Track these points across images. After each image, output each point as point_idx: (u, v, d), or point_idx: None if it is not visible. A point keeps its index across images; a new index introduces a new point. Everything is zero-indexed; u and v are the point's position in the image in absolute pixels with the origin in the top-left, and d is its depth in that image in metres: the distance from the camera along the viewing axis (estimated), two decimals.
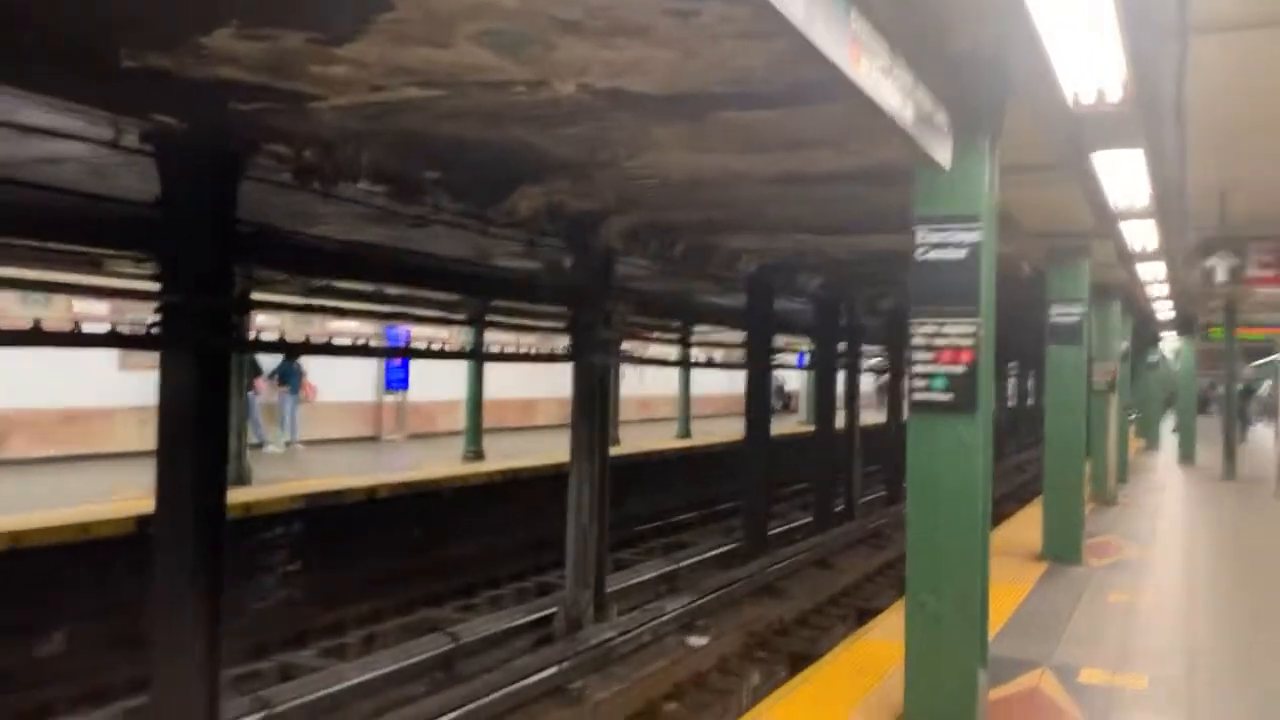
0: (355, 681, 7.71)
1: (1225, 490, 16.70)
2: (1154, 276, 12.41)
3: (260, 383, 16.62)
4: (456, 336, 17.55)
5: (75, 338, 5.55)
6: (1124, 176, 6.54)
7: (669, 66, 4.81)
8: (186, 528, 5.90)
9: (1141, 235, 9.04)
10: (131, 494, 10.27)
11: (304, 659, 8.91)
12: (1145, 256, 10.33)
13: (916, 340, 4.74)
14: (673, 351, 13.50)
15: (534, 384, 22.90)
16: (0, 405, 13.89)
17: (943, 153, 4.48)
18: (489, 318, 11.49)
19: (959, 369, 4.65)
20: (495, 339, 14.63)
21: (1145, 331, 22.83)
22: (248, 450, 12.78)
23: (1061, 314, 9.12)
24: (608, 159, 6.80)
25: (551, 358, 9.86)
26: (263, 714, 6.79)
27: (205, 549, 5.93)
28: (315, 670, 8.15)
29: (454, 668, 8.60)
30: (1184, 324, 21.30)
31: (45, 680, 8.03)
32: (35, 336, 5.33)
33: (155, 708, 6.05)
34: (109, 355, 14.46)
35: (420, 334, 17.16)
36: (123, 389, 14.79)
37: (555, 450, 13.90)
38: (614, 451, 11.80)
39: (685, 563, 12.42)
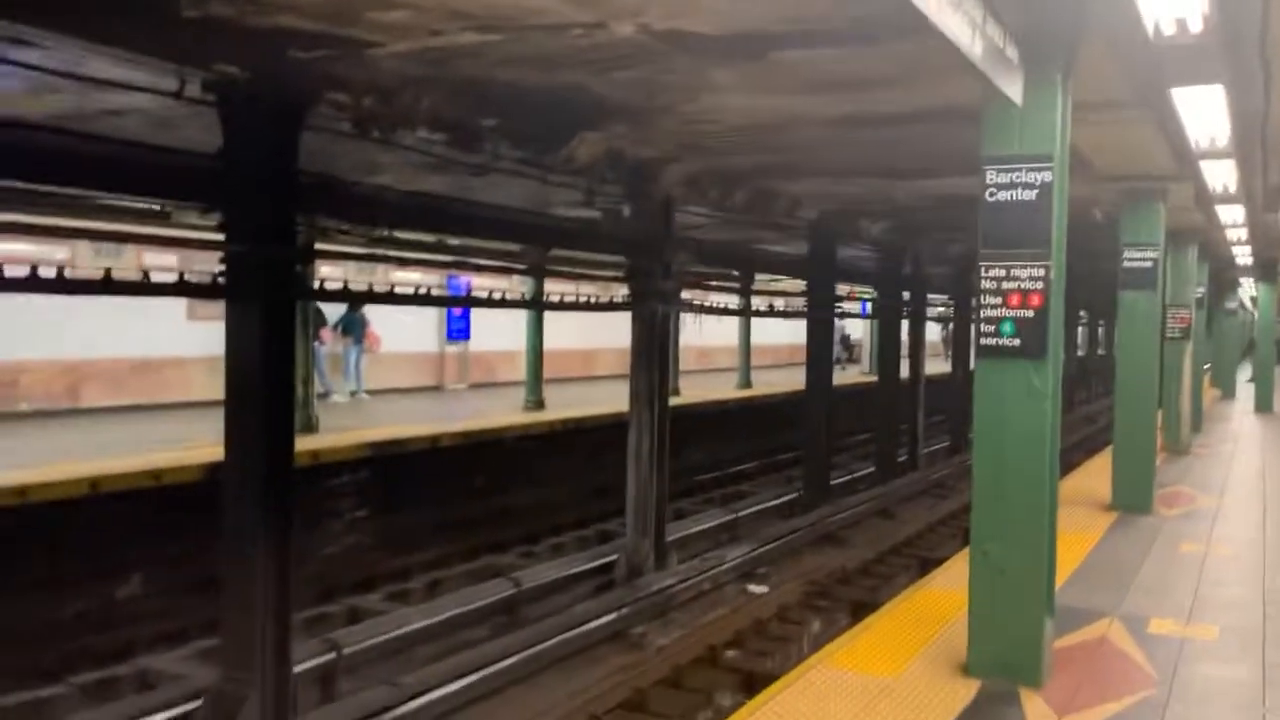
0: (421, 625, 7.86)
1: None
2: (1233, 220, 11.99)
3: (325, 333, 16.86)
4: (517, 286, 17.62)
5: (144, 286, 5.64)
6: (1204, 113, 6.29)
7: (727, 5, 4.70)
8: (255, 475, 6.02)
9: (1221, 176, 8.72)
10: (203, 442, 10.53)
11: (371, 603, 9.10)
12: (1224, 198, 9.98)
13: (985, 284, 4.63)
14: (733, 300, 13.40)
15: (594, 334, 22.93)
16: (74, 355, 14.30)
17: (1014, 89, 4.33)
18: (548, 267, 11.50)
19: (1028, 313, 4.54)
20: (555, 289, 14.67)
21: (1223, 277, 22.14)
22: (314, 399, 13.01)
23: (1135, 258, 8.85)
24: (666, 104, 6.70)
25: (611, 306, 9.83)
26: (332, 655, 6.95)
27: (274, 496, 6.04)
28: (382, 614, 8.32)
29: (517, 612, 8.72)
30: (1264, 269, 20.61)
31: (124, 621, 8.31)
32: (106, 285, 5.42)
33: (228, 648, 6.22)
34: (178, 306, 14.75)
35: (481, 284, 17.24)
36: (192, 339, 15.10)
37: (615, 400, 13.95)
38: (674, 401, 11.80)
39: (745, 512, 12.42)
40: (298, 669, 6.36)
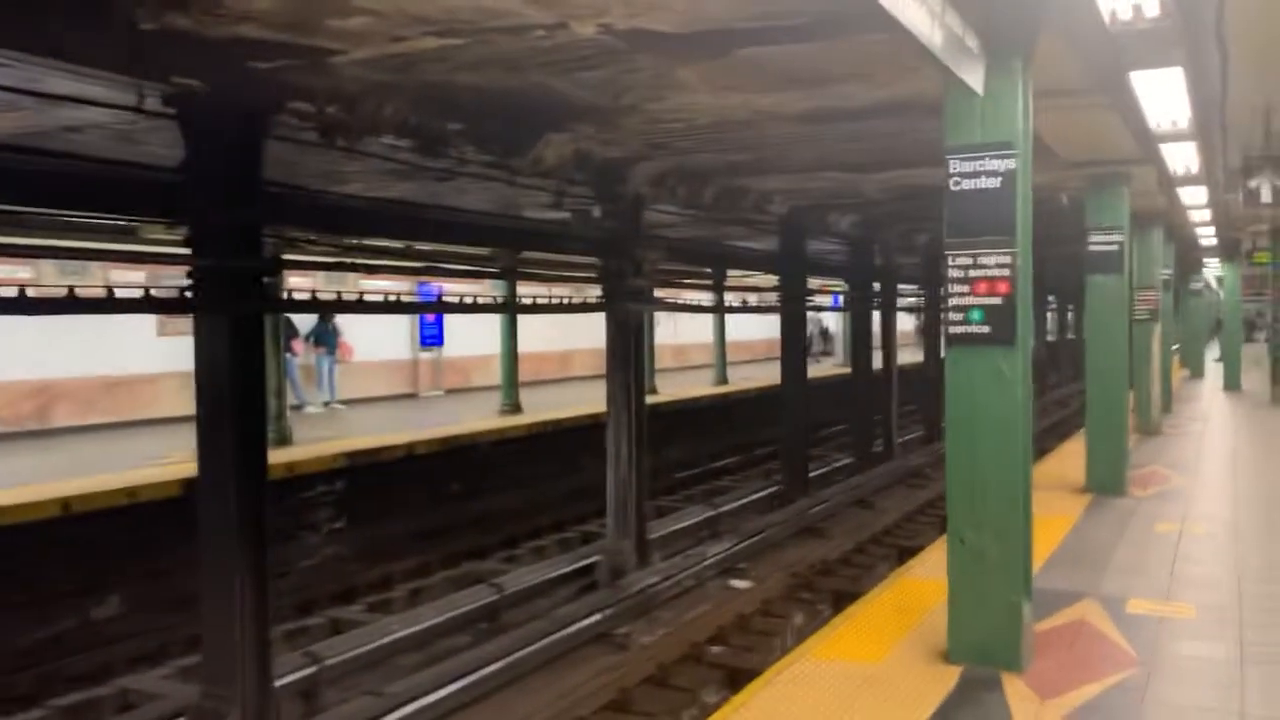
0: (403, 634, 7.81)
1: (1272, 416, 16.46)
2: (1196, 201, 12.14)
3: (297, 344, 16.76)
4: (489, 290, 17.57)
5: (109, 303, 5.57)
6: (1163, 97, 6.36)
7: (689, 3, 4.71)
8: (229, 489, 5.96)
9: (1183, 158, 8.82)
10: (176, 458, 10.44)
11: (352, 614, 9.04)
12: (1186, 180, 10.09)
13: (952, 272, 4.67)
14: (706, 297, 13.42)
15: (570, 335, 22.95)
16: (44, 375, 14.14)
17: (974, 78, 4.37)
18: (520, 269, 11.47)
19: (996, 300, 4.57)
20: (528, 291, 14.63)
21: (1188, 259, 22.42)
22: (288, 411, 12.92)
23: (1101, 242, 8.93)
24: (632, 103, 6.70)
25: (584, 307, 9.82)
26: (314, 668, 6.90)
27: (249, 509, 6.00)
28: (364, 624, 8.27)
29: (500, 618, 8.69)
30: (1227, 249, 20.86)
31: (103, 642, 8.22)
32: (71, 304, 5.36)
33: (209, 665, 6.17)
34: (147, 322, 14.64)
35: (453, 290, 17.18)
36: (163, 355, 14.99)
37: (592, 400, 13.94)
38: (651, 400, 11.80)
39: (726, 508, 12.44)
40: (279, 683, 6.32)
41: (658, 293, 10.86)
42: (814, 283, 15.24)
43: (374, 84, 6.00)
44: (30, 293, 5.21)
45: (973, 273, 4.58)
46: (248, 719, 5.91)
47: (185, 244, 6.14)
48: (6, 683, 7.32)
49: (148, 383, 15.39)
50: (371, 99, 6.20)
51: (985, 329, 4.60)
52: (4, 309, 5.07)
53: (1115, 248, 8.91)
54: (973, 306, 4.59)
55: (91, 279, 12.67)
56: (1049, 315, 32.04)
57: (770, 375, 16.86)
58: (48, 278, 12.97)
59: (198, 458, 6.15)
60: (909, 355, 20.91)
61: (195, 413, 6.12)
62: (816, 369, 15.72)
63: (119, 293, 5.56)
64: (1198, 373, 24.76)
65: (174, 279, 6.39)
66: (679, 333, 18.74)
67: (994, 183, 4.54)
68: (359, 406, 17.66)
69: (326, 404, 17.33)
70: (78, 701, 7.16)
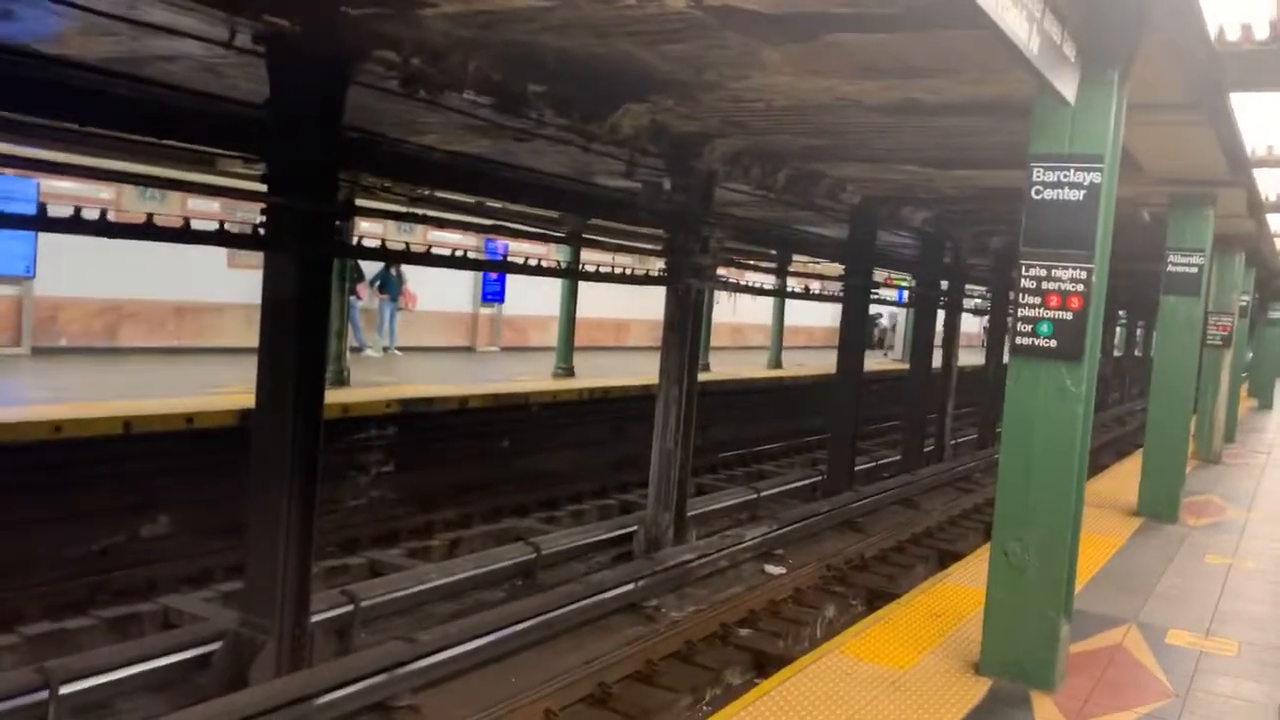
0: (439, 583, 7.94)
1: None
2: None
3: (362, 289, 16.99)
4: (553, 253, 17.64)
5: (185, 234, 5.68)
6: (1263, 121, 6.16)
7: None
8: (284, 423, 6.08)
9: (1275, 184, 8.55)
10: (235, 388, 10.66)
11: (392, 558, 9.20)
12: (1277, 207, 9.78)
13: (1024, 283, 4.58)
14: (768, 280, 13.32)
15: (628, 305, 22.95)
16: (115, 294, 14.49)
17: (1068, 86, 4.26)
18: (586, 236, 11.48)
19: (1067, 315, 4.48)
20: (591, 258, 14.65)
21: (1269, 286, 21.75)
22: (347, 353, 13.12)
23: (1180, 264, 8.71)
24: (714, 79, 6.65)
25: (646, 280, 9.80)
26: (350, 607, 7.04)
27: (302, 445, 6.11)
28: (402, 569, 8.41)
29: (534, 577, 8.80)
30: None
31: (149, 559, 8.45)
32: (148, 231, 5.47)
33: (249, 593, 6.32)
34: (218, 253, 14.90)
35: (518, 249, 17.27)
36: (231, 286, 15.28)
37: (644, 371, 13.97)
38: (703, 377, 11.79)
39: (767, 492, 12.42)
40: (316, 618, 6.46)
41: (720, 271, 10.79)
42: (880, 275, 15.08)
43: (460, 39, 6.02)
44: (111, 216, 5.33)
45: (1046, 285, 4.49)
46: (283, 650, 6.06)
47: (262, 180, 6.24)
48: (58, 589, 7.56)
49: (214, 311, 15.71)
50: (457, 53, 6.22)
51: (1052, 343, 4.51)
52: (87, 230, 5.19)
53: (1194, 270, 8.68)
54: (1042, 319, 4.50)
55: (169, 204, 12.95)
56: (1117, 330, 31.36)
57: (826, 363, 16.75)
58: (127, 199, 13.29)
59: (256, 390, 6.28)
60: (970, 357, 20.62)
61: (258, 346, 6.24)
62: (871, 362, 15.54)
63: (195, 223, 5.65)
64: (1266, 404, 24.10)
65: (249, 213, 6.50)
66: (738, 311, 18.68)
67: (1077, 195, 4.43)
68: (416, 355, 17.88)
69: (385, 349, 17.57)
70: (122, 614, 7.38)
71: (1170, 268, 8.73)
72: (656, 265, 9.92)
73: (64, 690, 5.47)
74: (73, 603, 7.51)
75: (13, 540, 8.02)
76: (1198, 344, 9.34)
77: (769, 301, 21.36)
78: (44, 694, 5.39)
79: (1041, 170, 4.52)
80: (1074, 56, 4.25)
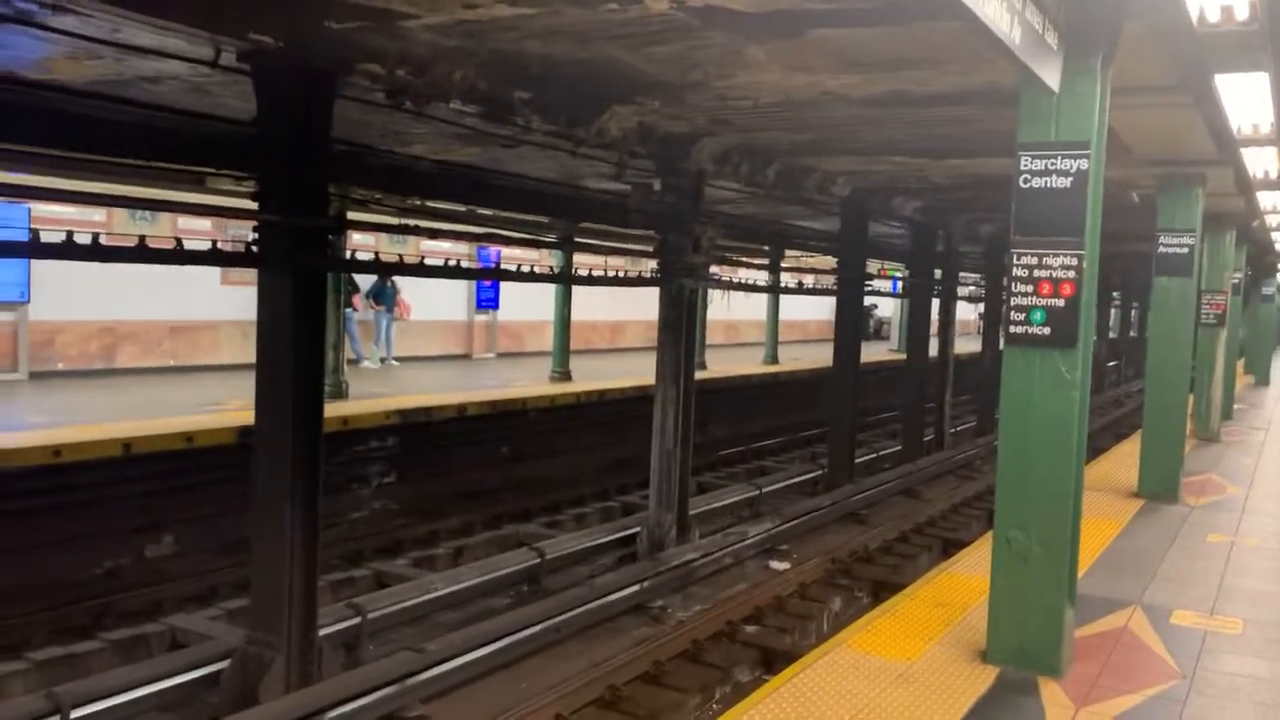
0: (445, 591, 7.95)
1: None
2: (1274, 205, 11.80)
3: (357, 300, 17.01)
4: (546, 259, 17.65)
5: (177, 255, 5.69)
6: (1248, 101, 6.18)
7: None
8: (285, 439, 6.10)
9: (1263, 162, 8.57)
10: (233, 405, 10.67)
11: (397, 568, 9.21)
12: (1266, 184, 9.81)
13: (1016, 271, 4.60)
14: (761, 276, 13.36)
15: (622, 306, 22.99)
16: (111, 317, 14.49)
17: (1051, 75, 4.28)
18: (578, 239, 11.50)
19: (1059, 302, 4.50)
20: (583, 261, 14.67)
21: (1261, 262, 21.82)
22: (345, 366, 13.14)
23: (1171, 244, 8.73)
24: (699, 79, 6.66)
25: (639, 281, 9.83)
26: (357, 619, 7.05)
27: (303, 459, 6.12)
28: (407, 579, 8.42)
29: (540, 582, 8.81)
30: None
31: (155, 580, 8.46)
32: (141, 253, 5.48)
33: (256, 609, 6.33)
34: (211, 271, 14.91)
35: (510, 255, 17.29)
36: (225, 304, 15.30)
37: (641, 372, 13.97)
38: (700, 376, 11.81)
39: (769, 488, 12.44)
40: (323, 632, 6.47)
41: (713, 269, 10.82)
42: (873, 266, 15.10)
43: (444, 49, 6.03)
44: (103, 240, 5.34)
45: (1038, 273, 4.50)
46: (292, 666, 6.08)
47: (252, 198, 6.25)
48: (63, 615, 7.57)
49: (209, 329, 15.71)
50: (442, 64, 6.22)
51: (1046, 330, 4.53)
52: (79, 255, 5.20)
53: (1186, 250, 8.71)
54: (1035, 307, 4.52)
55: (160, 225, 12.95)
56: (1112, 311, 31.41)
57: (822, 357, 16.78)
58: (118, 221, 13.28)
59: (255, 406, 6.29)
60: (967, 344, 20.64)
61: (255, 362, 6.25)
62: (869, 353, 15.57)
63: (187, 244, 5.67)
64: (1263, 379, 24.15)
65: (241, 230, 6.50)
66: (732, 309, 18.73)
67: (1065, 182, 4.45)
68: (414, 365, 17.89)
69: (383, 360, 17.59)
70: (129, 636, 7.39)
71: (1161, 249, 8.76)
72: (649, 266, 9.94)
73: (75, 714, 5.48)
74: (80, 626, 7.51)
75: (17, 565, 8.03)
76: (1192, 323, 9.37)
77: (763, 298, 21.40)
78: (56, 719, 5.39)
79: (1029, 159, 4.53)
80: (1056, 45, 4.27)
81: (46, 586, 7.95)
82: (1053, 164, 4.46)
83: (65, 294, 13.60)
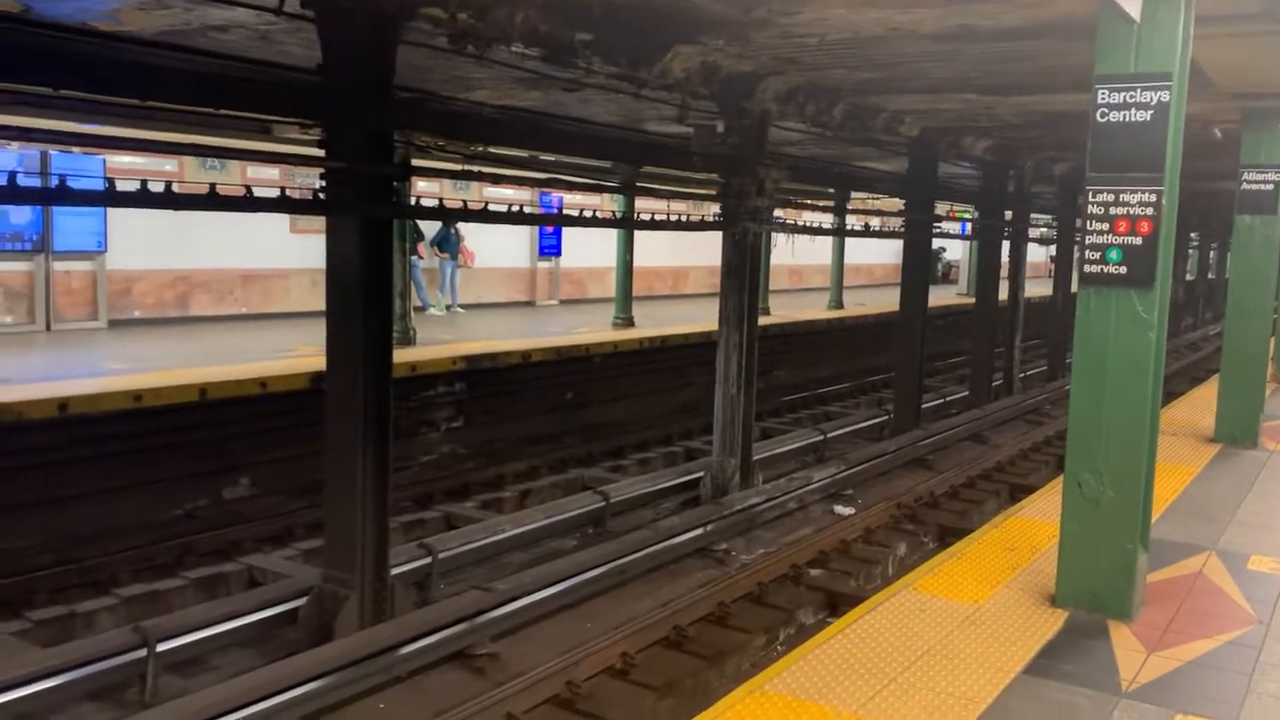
0: (512, 533, 8.09)
1: None
2: None
3: (422, 248, 17.17)
4: (608, 204, 17.62)
5: (247, 201, 5.78)
6: None
7: None
8: (356, 383, 6.21)
9: None
10: (304, 351, 10.89)
11: (466, 510, 9.38)
12: None
13: (1091, 209, 4.47)
14: (827, 219, 13.16)
15: (685, 252, 22.87)
16: (185, 265, 14.84)
17: (1132, 3, 4.11)
18: (640, 184, 11.44)
19: (1136, 240, 4.37)
20: (646, 206, 14.61)
21: None
22: (412, 313, 13.31)
23: (1255, 180, 8.42)
24: (764, 16, 6.53)
25: (702, 225, 9.75)
26: (428, 559, 7.21)
27: (373, 405, 6.24)
28: (476, 521, 8.58)
29: (604, 525, 8.91)
30: None
31: (232, 520, 8.73)
32: (211, 200, 5.58)
33: (330, 550, 6.51)
34: (281, 219, 15.16)
35: (572, 202, 17.28)
36: (294, 252, 15.56)
37: (704, 318, 13.94)
38: (763, 321, 11.74)
39: (834, 434, 12.39)
40: (395, 571, 6.63)
41: (777, 213, 10.68)
42: (941, 208, 14.80)
43: None
44: (176, 188, 5.44)
45: (1114, 210, 4.37)
46: (365, 603, 6.25)
47: (319, 145, 6.31)
48: (146, 553, 7.85)
49: (279, 278, 16.01)
50: (502, 6, 6.19)
51: (1122, 270, 4.41)
52: (153, 203, 5.31)
53: (1270, 186, 8.39)
54: (1111, 246, 4.40)
55: (230, 174, 13.17)
56: (1190, 253, 30.48)
57: (888, 301, 16.57)
58: (189, 170, 13.53)
59: (326, 353, 6.41)
60: (1037, 289, 20.21)
61: (325, 309, 6.36)
62: (936, 297, 15.32)
63: (256, 191, 5.75)
64: None
65: (308, 178, 6.58)
66: (796, 254, 18.54)
67: (1144, 115, 4.30)
68: (478, 311, 18.06)
69: (448, 307, 17.78)
70: (209, 575, 7.65)
71: (1245, 185, 8.45)
72: (712, 210, 9.86)
73: (160, 648, 5.70)
74: (162, 565, 7.79)
75: (102, 507, 8.34)
76: (1276, 263, 9.05)
77: (828, 242, 21.12)
78: (142, 652, 5.62)
79: (1107, 92, 4.38)
80: None
81: (131, 527, 8.25)
82: (1131, 97, 4.31)
83: (141, 244, 13.94)
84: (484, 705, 5.29)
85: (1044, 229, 19.72)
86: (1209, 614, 4.86)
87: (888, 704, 3.84)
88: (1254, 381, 8.92)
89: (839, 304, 20.99)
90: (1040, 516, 6.40)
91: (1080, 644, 4.45)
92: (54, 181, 5.22)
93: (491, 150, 8.75)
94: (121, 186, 5.38)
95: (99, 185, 5.51)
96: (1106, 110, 4.39)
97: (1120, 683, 4.06)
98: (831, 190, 16.65)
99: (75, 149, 10.79)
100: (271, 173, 13.10)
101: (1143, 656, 4.31)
